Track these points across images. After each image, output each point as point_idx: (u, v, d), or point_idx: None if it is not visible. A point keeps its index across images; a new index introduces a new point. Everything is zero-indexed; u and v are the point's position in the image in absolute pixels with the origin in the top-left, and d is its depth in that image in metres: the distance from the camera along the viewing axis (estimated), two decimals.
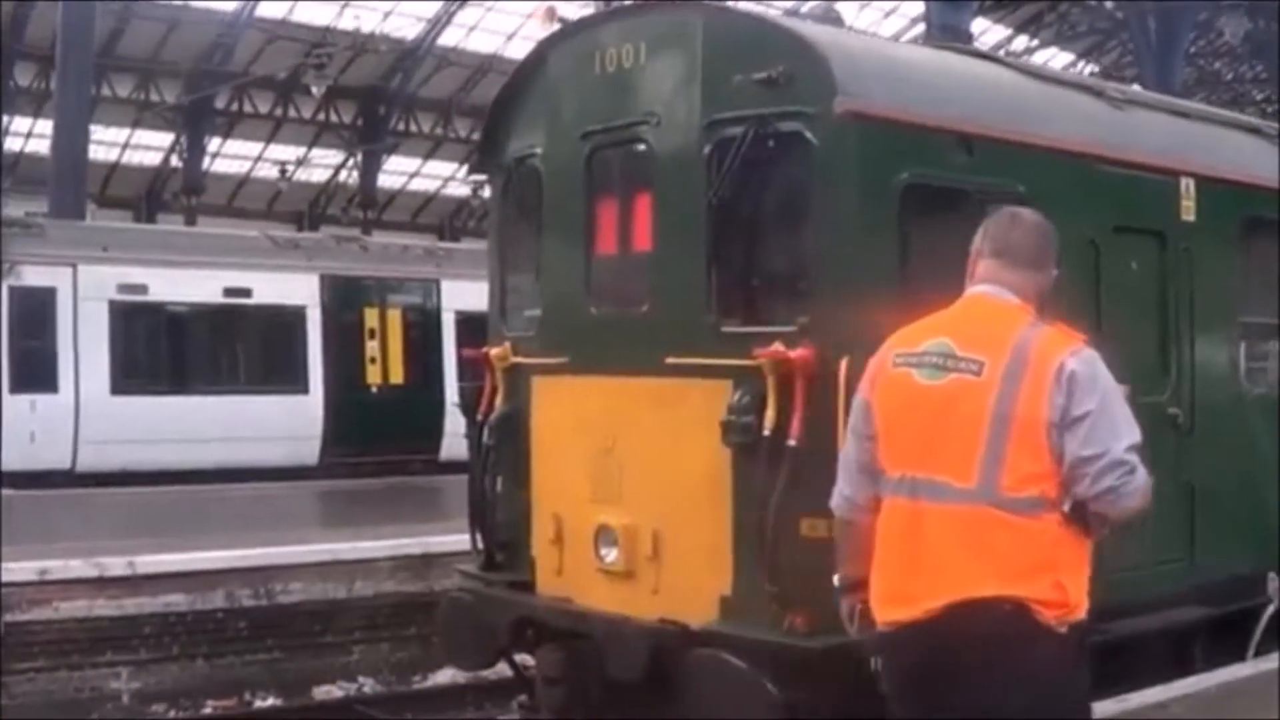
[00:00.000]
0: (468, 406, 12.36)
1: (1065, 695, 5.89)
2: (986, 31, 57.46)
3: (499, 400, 12.00)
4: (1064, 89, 12.30)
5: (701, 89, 10.42)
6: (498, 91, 12.67)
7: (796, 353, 9.49)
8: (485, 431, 12.00)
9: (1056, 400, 5.73)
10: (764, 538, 9.51)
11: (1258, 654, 12.38)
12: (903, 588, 5.91)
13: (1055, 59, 62.84)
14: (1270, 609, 12.70)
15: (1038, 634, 5.68)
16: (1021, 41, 61.14)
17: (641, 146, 10.97)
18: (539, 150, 11.85)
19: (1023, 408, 5.76)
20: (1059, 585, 5.73)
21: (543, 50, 12.05)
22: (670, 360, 10.32)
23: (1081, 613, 5.82)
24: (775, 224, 10.61)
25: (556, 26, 11.92)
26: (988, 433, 5.78)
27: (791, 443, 9.44)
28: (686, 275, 10.45)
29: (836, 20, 11.88)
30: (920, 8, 44.65)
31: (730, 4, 11.88)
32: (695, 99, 10.46)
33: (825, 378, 9.39)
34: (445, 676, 18.19)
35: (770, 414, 9.57)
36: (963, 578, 5.74)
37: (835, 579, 6.62)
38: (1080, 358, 5.85)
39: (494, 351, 12.02)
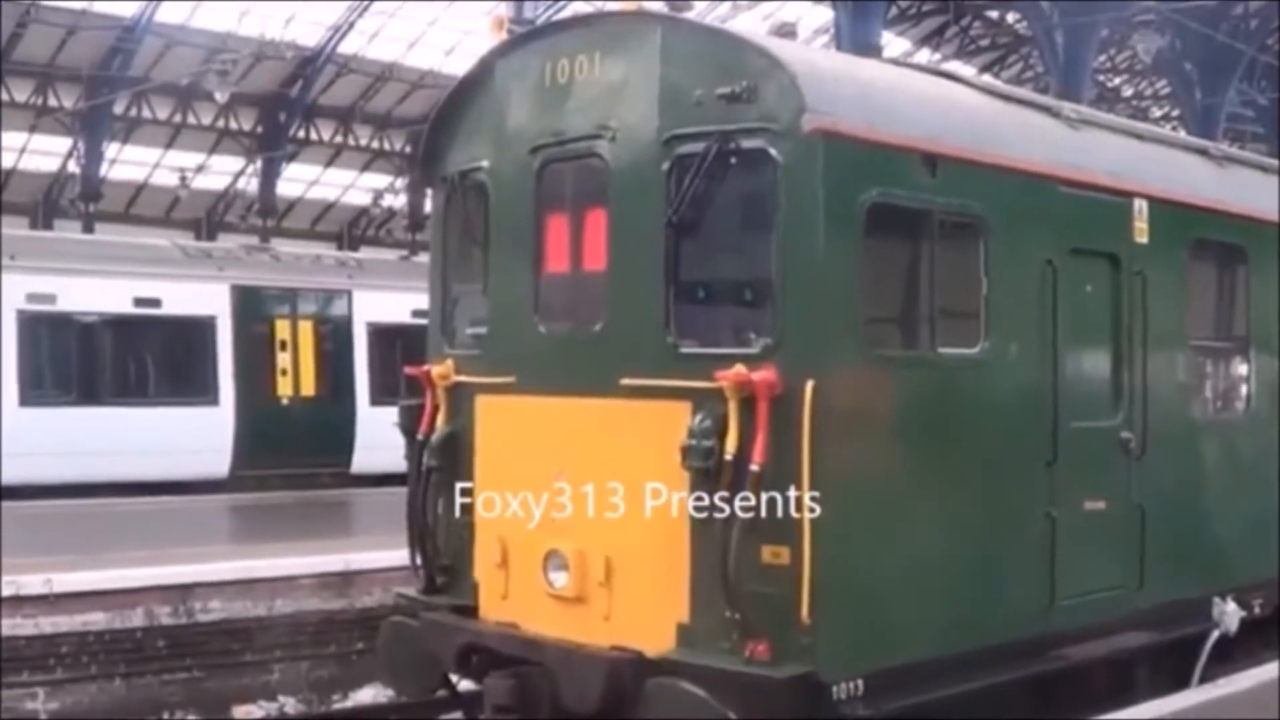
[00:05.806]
0: (407, 426, 12.02)
1: None
2: (889, 45, 57.56)
3: (440, 419, 11.69)
4: (1022, 108, 12.14)
5: (660, 103, 10.16)
6: (440, 102, 12.26)
7: (759, 375, 9.31)
8: (426, 452, 11.69)
9: None
10: (725, 565, 9.29)
11: (1202, 680, 12.28)
12: None
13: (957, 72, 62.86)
14: (1215, 634, 12.65)
15: None
16: (924, 55, 61.22)
17: (596, 161, 10.64)
18: (485, 164, 11.53)
19: None
20: None
21: (489, 60, 11.63)
22: (626, 381, 10.08)
23: None
24: (737, 242, 10.35)
25: (505, 36, 11.50)
26: None
27: (754, 467, 9.25)
28: (644, 294, 10.19)
29: (790, 34, 11.72)
30: (827, 15, 44.63)
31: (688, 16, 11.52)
32: (653, 113, 10.19)
33: (789, 400, 9.22)
34: (367, 695, 17.93)
35: (732, 438, 9.36)
36: None
37: None
38: None
39: (435, 369, 11.71)
